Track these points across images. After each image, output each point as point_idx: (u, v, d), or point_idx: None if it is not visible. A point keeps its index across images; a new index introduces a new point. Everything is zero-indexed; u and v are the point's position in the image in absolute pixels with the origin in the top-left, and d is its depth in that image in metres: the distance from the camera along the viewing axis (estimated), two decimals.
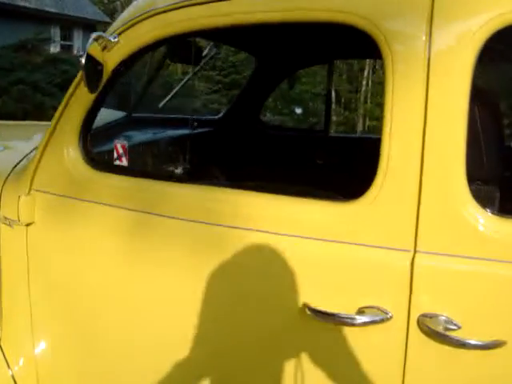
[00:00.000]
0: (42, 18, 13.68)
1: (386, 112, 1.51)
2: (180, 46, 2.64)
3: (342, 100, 20.05)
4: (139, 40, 1.92)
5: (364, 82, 21.20)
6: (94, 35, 1.92)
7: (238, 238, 1.71)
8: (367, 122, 20.16)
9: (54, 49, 12.52)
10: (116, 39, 1.94)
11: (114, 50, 1.95)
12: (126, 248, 1.93)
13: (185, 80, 3.34)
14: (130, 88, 3.07)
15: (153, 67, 2.97)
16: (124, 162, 2.01)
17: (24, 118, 9.31)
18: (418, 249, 1.50)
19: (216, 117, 3.76)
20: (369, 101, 20.95)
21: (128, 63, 1.98)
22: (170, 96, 3.24)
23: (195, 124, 3.39)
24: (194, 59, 2.93)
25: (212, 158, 2.71)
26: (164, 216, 1.83)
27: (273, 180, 1.84)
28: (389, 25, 1.52)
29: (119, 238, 1.94)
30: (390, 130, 1.51)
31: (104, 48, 1.96)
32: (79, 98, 2.04)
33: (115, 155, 2.03)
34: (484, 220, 1.45)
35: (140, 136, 2.79)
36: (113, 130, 2.66)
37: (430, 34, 1.47)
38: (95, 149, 2.14)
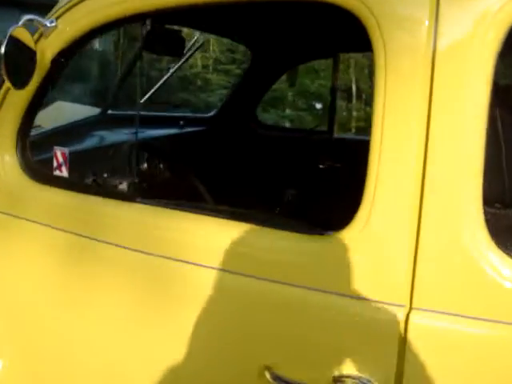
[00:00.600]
0: (28, 6, 13.26)
1: (375, 120, 1.11)
2: (155, 34, 2.26)
3: (363, 95, 19.61)
4: (81, 24, 1.53)
5: None
6: (24, 18, 1.54)
7: (185, 275, 1.34)
8: None
9: None
10: (53, 24, 1.56)
11: (51, 36, 1.57)
12: (62, 273, 1.60)
13: (169, 74, 2.93)
14: (105, 81, 2.68)
15: (130, 57, 2.58)
16: (64, 172, 1.63)
17: None
18: (414, 304, 1.10)
19: (208, 114, 3.35)
20: None
21: (71, 52, 1.61)
22: (152, 91, 2.85)
23: (182, 123, 3.00)
24: (176, 50, 2.53)
25: (191, 166, 2.32)
26: (104, 242, 1.46)
27: (254, 197, 1.46)
28: (382, 5, 1.12)
29: (55, 261, 1.61)
30: (381, 143, 1.11)
31: (40, 35, 1.58)
32: (16, 96, 1.67)
33: (55, 164, 1.64)
34: (506, 269, 1.04)
35: (104, 139, 2.41)
36: (74, 132, 2.30)
37: (435, 17, 1.07)
38: (37, 156, 1.77)
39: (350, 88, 16.50)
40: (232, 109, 3.28)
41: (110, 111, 2.70)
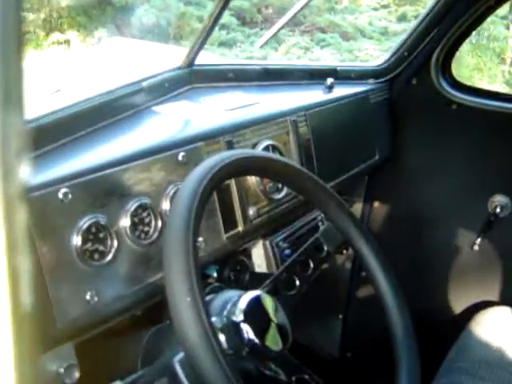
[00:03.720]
0: None
1: None
2: None
3: None
4: None
5: None
6: None
7: None
8: None
9: None
10: None
11: None
12: None
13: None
14: None
15: None
16: None
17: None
18: None
19: (371, 65, 1.95)
20: None
21: None
22: (276, 29, 1.51)
23: (331, 82, 1.65)
24: None
25: None
26: None
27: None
28: None
29: None
30: None
31: None
32: None
33: None
34: None
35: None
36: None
37: None
38: None
39: None
40: (414, 57, 1.86)
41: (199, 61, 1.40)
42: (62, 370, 0.88)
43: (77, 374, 0.90)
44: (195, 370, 0.70)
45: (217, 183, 0.87)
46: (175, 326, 0.70)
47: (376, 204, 2.03)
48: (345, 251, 1.87)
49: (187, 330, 0.68)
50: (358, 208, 2.03)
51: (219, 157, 0.90)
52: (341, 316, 2.11)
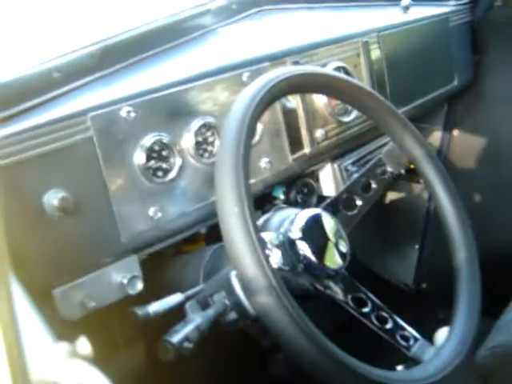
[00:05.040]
0: None
1: None
2: None
3: None
4: None
5: None
6: None
7: None
8: None
9: None
10: None
11: None
12: None
13: None
14: None
15: None
16: None
17: None
18: None
19: None
20: None
21: None
22: None
23: (407, 3, 1.54)
24: None
25: None
26: None
27: None
28: None
29: None
30: None
31: None
32: None
33: None
34: None
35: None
36: None
37: None
38: None
39: None
40: None
41: None
42: (125, 281, 0.90)
43: (140, 286, 0.92)
44: (242, 280, 0.68)
45: (273, 98, 0.83)
46: (223, 235, 0.68)
47: (455, 133, 1.92)
48: (422, 180, 1.79)
49: (233, 238, 0.66)
50: (436, 137, 1.93)
51: (277, 72, 0.86)
52: (417, 246, 2.05)
